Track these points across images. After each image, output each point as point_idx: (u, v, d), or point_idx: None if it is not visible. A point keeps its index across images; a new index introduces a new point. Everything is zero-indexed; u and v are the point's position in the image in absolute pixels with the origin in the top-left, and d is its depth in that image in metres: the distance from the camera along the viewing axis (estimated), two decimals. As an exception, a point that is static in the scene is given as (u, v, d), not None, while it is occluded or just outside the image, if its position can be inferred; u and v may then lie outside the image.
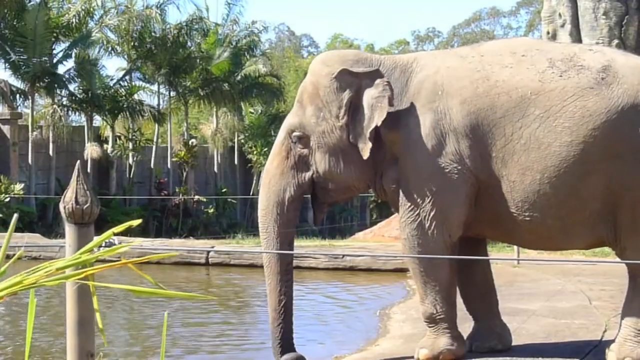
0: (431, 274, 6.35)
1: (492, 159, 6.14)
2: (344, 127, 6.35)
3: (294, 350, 6.55)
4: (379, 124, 6.19)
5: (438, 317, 6.40)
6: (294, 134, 6.51)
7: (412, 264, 6.47)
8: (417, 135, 6.21)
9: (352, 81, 6.33)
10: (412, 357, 6.54)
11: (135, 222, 2.30)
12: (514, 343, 6.87)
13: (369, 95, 6.27)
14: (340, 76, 6.33)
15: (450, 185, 6.20)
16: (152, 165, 33.16)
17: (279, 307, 6.52)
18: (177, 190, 32.63)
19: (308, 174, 6.50)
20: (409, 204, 6.28)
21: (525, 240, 6.74)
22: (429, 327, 6.49)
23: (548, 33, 16.72)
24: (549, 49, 6.44)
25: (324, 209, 6.83)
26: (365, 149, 6.25)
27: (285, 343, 6.54)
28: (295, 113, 6.59)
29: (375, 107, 6.22)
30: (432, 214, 6.22)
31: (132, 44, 32.63)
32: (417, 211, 6.25)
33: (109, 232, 2.24)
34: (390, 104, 6.22)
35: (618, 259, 6.64)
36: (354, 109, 6.33)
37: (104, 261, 2.40)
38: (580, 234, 6.28)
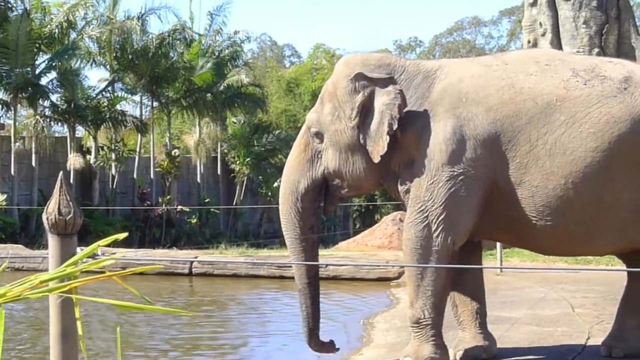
0: (427, 278, 6.36)
1: (515, 165, 6.20)
2: (355, 128, 6.50)
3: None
4: (390, 133, 6.30)
5: (425, 322, 6.40)
6: (312, 129, 6.77)
7: (409, 266, 6.52)
8: (438, 140, 6.28)
9: (366, 85, 6.48)
10: (397, 365, 6.54)
11: (121, 236, 2.29)
12: (497, 351, 6.87)
13: (381, 102, 6.39)
14: (356, 79, 6.50)
15: (464, 191, 6.24)
16: (135, 176, 33.03)
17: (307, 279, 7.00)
18: (160, 200, 32.51)
19: (321, 169, 6.74)
20: (419, 205, 6.32)
21: (543, 246, 6.71)
22: (414, 333, 6.49)
23: (529, 42, 16.78)
24: (571, 60, 6.59)
25: (335, 202, 7.00)
26: (375, 153, 6.38)
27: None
28: (315, 109, 6.84)
29: (385, 114, 6.34)
30: (441, 217, 6.26)
31: (113, 54, 32.55)
32: (426, 213, 6.29)
33: (94, 245, 2.23)
34: (401, 112, 6.31)
35: (600, 267, 6.67)
36: (366, 112, 6.47)
37: (88, 273, 2.38)
38: (607, 239, 6.33)
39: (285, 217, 6.92)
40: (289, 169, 6.93)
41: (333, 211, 7.22)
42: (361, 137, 6.47)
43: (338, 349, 7.03)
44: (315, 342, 6.96)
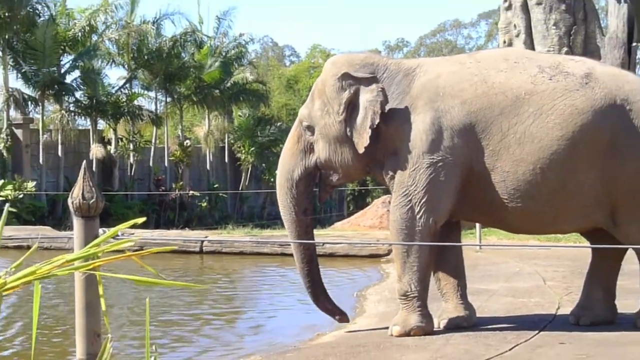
0: (411, 255, 6.40)
1: (488, 152, 6.22)
2: (343, 122, 6.53)
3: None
4: (373, 127, 6.32)
5: (412, 295, 6.42)
6: (304, 123, 6.79)
7: (396, 245, 6.55)
8: (418, 131, 6.31)
9: (352, 84, 6.50)
10: (386, 333, 6.54)
11: (140, 220, 2.29)
12: (476, 320, 6.88)
13: (365, 99, 6.41)
14: (343, 78, 6.53)
15: (443, 176, 6.27)
16: (150, 164, 33.00)
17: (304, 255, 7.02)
18: (173, 186, 32.50)
19: (313, 159, 6.76)
20: (403, 190, 6.35)
21: (515, 226, 6.78)
22: (402, 304, 6.51)
23: (504, 42, 16.73)
24: (537, 58, 6.64)
25: (328, 189, 7.03)
26: (360, 145, 6.41)
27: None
28: (306, 105, 6.86)
29: (369, 110, 6.37)
30: (423, 200, 6.29)
31: (131, 55, 32.47)
32: (410, 197, 6.33)
33: (115, 229, 2.23)
34: (382, 108, 6.35)
35: (569, 244, 6.68)
36: (352, 108, 6.49)
37: (109, 253, 2.38)
38: (571, 221, 6.37)
39: (282, 202, 6.97)
40: (284, 158, 6.96)
41: (329, 196, 7.24)
42: (348, 130, 6.51)
43: (345, 314, 7.15)
44: (322, 305, 7.13)
